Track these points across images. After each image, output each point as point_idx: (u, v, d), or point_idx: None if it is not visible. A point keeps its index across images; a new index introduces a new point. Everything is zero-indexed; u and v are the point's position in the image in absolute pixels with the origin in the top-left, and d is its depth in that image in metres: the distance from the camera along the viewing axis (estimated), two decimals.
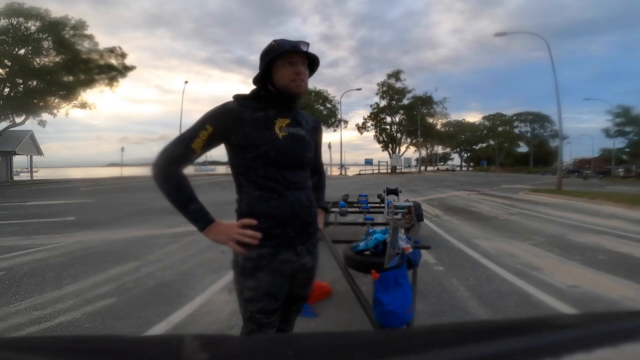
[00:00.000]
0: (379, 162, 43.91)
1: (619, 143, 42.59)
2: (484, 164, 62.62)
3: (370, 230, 2.84)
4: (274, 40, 1.07)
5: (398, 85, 43.00)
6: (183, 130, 1.08)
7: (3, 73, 19.57)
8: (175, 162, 1.02)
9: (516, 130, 63.62)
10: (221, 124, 1.03)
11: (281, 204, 1.06)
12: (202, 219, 1.02)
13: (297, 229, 1.09)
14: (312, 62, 1.13)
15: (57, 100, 21.94)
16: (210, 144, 1.04)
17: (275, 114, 1.08)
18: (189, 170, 1.10)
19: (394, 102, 44.00)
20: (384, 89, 43.61)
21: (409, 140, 48.93)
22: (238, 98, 1.10)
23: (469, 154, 73.30)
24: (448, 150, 73.87)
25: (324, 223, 1.37)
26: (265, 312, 1.07)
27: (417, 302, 2.16)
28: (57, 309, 2.47)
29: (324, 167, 1.44)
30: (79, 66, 21.27)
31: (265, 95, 1.10)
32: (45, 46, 20.58)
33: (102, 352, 0.35)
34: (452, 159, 76.93)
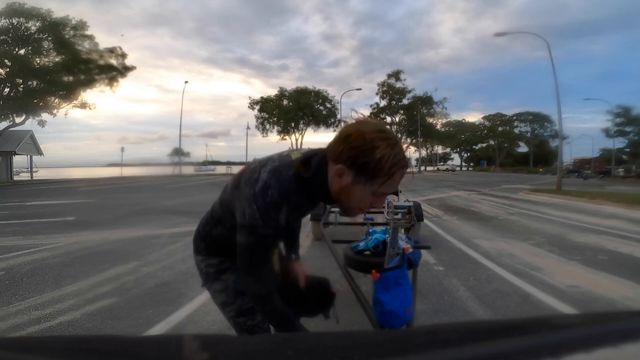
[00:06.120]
0: None
1: (619, 143, 42.73)
2: (484, 164, 62.67)
3: (370, 230, 2.83)
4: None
5: (398, 85, 43.08)
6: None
7: (3, 73, 19.54)
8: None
9: (516, 130, 63.73)
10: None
11: None
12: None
13: None
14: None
15: (57, 100, 21.92)
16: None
17: (309, 207, 0.95)
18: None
19: (394, 102, 44.02)
20: (384, 89, 43.64)
21: (409, 140, 48.97)
22: (299, 169, 0.84)
23: (469, 154, 73.34)
24: (448, 150, 73.94)
25: (321, 228, 1.36)
26: (244, 313, 1.03)
27: (417, 302, 2.16)
28: (57, 309, 2.47)
29: None
30: (79, 66, 21.27)
31: (319, 192, 0.86)
32: (46, 46, 20.59)
33: (102, 352, 0.35)
34: (452, 159, 77.12)
